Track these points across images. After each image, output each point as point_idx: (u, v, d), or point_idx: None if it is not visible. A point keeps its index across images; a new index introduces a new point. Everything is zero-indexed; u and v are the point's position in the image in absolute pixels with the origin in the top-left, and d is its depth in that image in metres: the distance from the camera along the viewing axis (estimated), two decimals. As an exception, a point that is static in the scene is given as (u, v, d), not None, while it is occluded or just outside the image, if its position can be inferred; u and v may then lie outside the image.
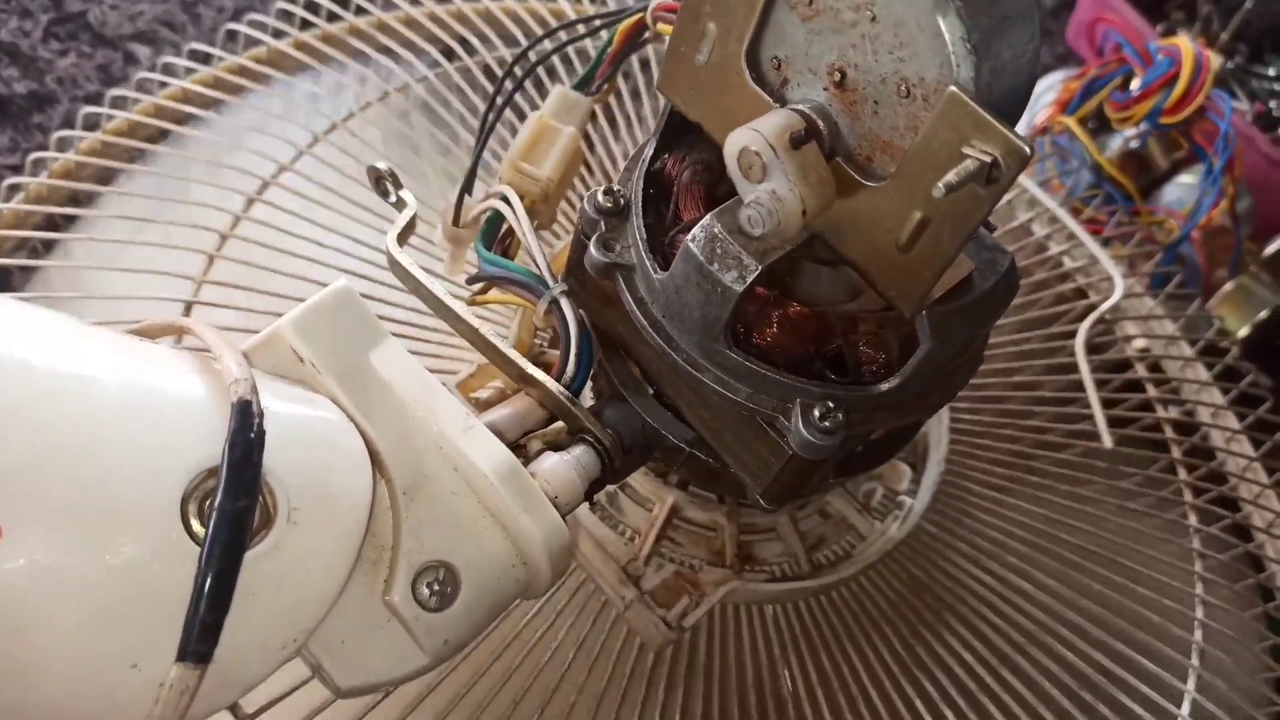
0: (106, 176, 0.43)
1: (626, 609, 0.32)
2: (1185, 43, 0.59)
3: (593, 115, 0.36)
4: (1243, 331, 0.61)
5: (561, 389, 0.28)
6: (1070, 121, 0.62)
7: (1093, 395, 0.40)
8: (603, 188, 0.28)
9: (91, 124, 0.44)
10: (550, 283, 0.30)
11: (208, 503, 0.21)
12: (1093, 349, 0.42)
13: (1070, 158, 0.65)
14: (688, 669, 0.32)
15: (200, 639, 0.20)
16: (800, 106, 0.23)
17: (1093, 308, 0.43)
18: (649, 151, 0.29)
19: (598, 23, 0.36)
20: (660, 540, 0.33)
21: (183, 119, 0.42)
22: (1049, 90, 0.69)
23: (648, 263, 0.27)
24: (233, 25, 0.45)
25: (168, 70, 0.45)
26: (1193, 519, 0.40)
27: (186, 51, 0.46)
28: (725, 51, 0.24)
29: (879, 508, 0.36)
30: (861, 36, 0.21)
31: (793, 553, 0.35)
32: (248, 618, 0.21)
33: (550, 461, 0.27)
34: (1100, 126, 0.65)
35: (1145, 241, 0.60)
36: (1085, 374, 0.40)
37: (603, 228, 0.28)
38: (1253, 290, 0.62)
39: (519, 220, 0.31)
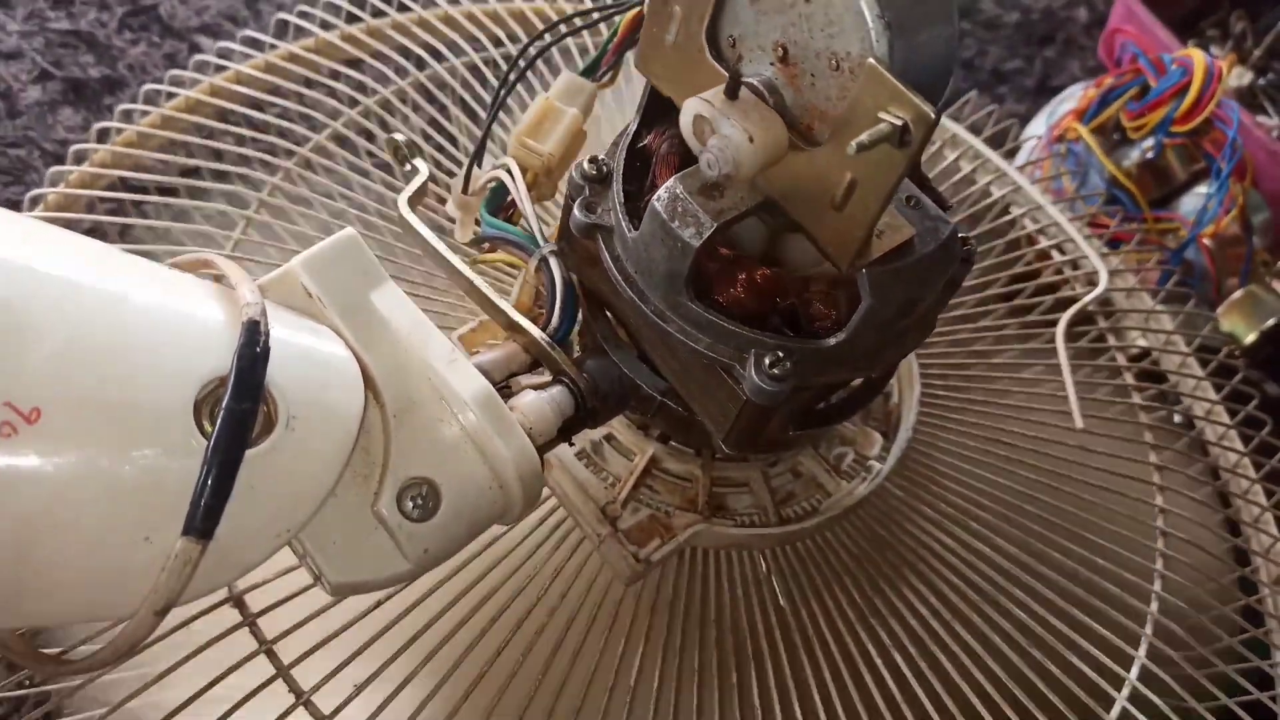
0: (166, 147, 0.47)
1: (601, 544, 0.35)
2: (1197, 53, 0.61)
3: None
4: (1250, 338, 0.62)
5: (544, 336, 0.31)
6: (1083, 129, 0.63)
7: (1068, 378, 0.42)
8: (589, 157, 0.32)
9: (152, 100, 0.49)
10: (541, 243, 0.34)
11: (217, 407, 0.25)
12: (1074, 338, 0.44)
13: (1086, 164, 0.66)
14: (655, 601, 0.35)
15: (203, 518, 0.24)
16: (750, 79, 0.26)
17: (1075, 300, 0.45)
18: (633, 126, 0.32)
19: (602, 14, 0.39)
20: (639, 487, 0.36)
21: (236, 99, 0.46)
22: (1069, 99, 0.71)
23: (623, 223, 0.30)
24: (284, 15, 0.49)
25: (224, 55, 0.49)
26: (1159, 499, 0.42)
27: (241, 37, 0.50)
28: (689, 31, 0.27)
29: (849, 470, 0.39)
30: (799, 16, 0.24)
31: (762, 505, 0.37)
32: (246, 507, 0.25)
33: (529, 398, 0.30)
34: (1124, 137, 0.67)
35: (1150, 244, 0.61)
36: (1063, 358, 0.42)
37: (587, 193, 0.31)
38: (1261, 298, 0.63)
39: (518, 188, 0.35)
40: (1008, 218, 0.49)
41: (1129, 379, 0.46)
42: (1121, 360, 0.46)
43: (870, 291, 0.28)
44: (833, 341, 0.29)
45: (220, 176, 0.43)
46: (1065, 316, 0.44)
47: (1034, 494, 0.40)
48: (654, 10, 0.28)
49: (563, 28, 0.38)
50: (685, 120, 0.26)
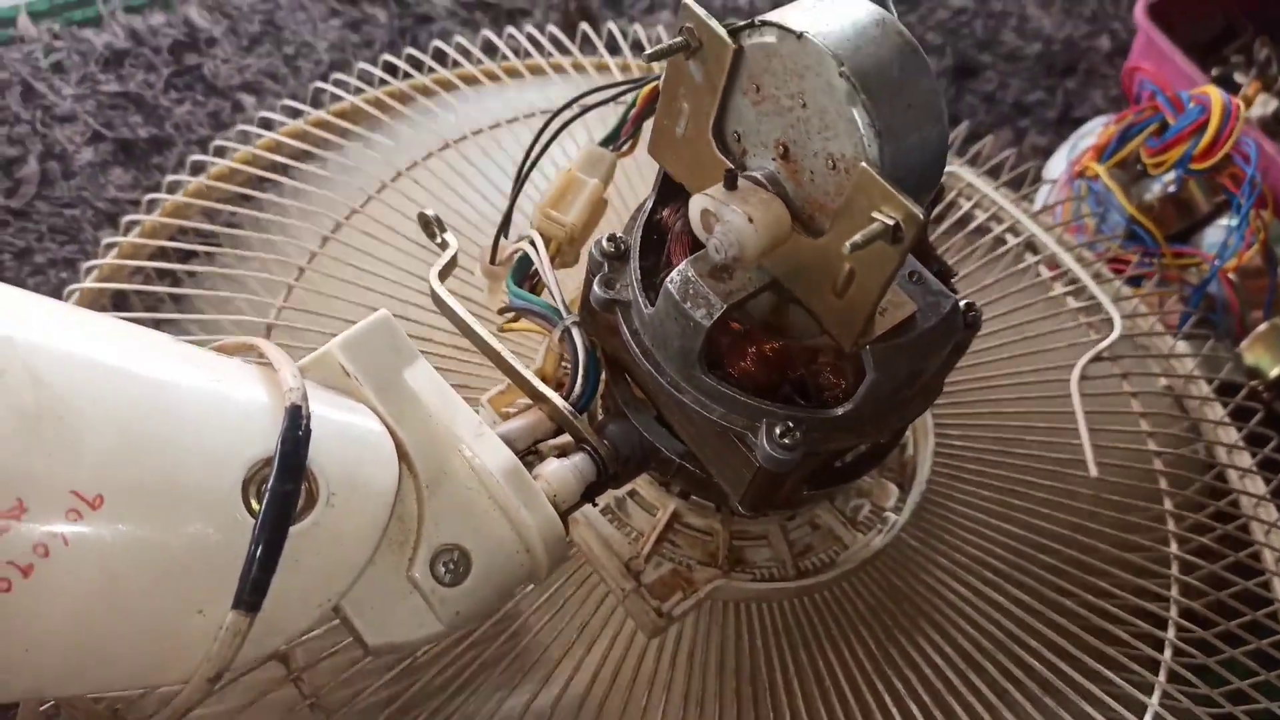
0: (210, 214, 0.50)
1: (625, 599, 0.36)
2: (1214, 91, 0.61)
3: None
4: (1276, 371, 0.62)
5: (566, 405, 0.33)
6: (1099, 168, 0.64)
7: (1083, 426, 0.43)
8: (607, 235, 0.33)
9: (198, 169, 0.51)
10: (564, 314, 0.35)
11: (263, 486, 0.27)
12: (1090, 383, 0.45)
13: (1105, 202, 0.67)
14: (676, 653, 0.36)
15: (252, 592, 0.26)
16: (754, 173, 0.28)
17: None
18: (649, 204, 0.34)
19: (624, 87, 0.41)
20: (661, 542, 0.38)
21: (273, 167, 0.48)
22: (1089, 135, 0.72)
23: (640, 300, 0.32)
24: (320, 84, 0.52)
25: (264, 124, 0.52)
26: (1174, 546, 0.42)
27: (280, 106, 0.53)
28: (697, 126, 0.29)
29: (865, 522, 0.40)
30: (797, 119, 0.26)
31: (781, 558, 0.39)
32: (291, 579, 0.27)
33: (552, 466, 0.32)
34: (1145, 171, 0.67)
35: (1170, 282, 0.62)
36: (1077, 406, 0.43)
37: (606, 269, 0.33)
38: (1287, 331, 0.63)
39: (541, 261, 0.36)
40: (1022, 266, 0.50)
41: (1144, 425, 0.47)
42: (1136, 406, 0.47)
43: (874, 367, 0.29)
44: (840, 411, 0.30)
45: (267, 245, 0.45)
46: (1080, 364, 0.45)
47: (1049, 543, 0.41)
48: (665, 105, 0.29)
49: (586, 101, 0.40)
50: (693, 215, 0.28)
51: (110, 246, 0.48)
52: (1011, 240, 0.50)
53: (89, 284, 0.46)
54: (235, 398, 0.28)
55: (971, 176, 0.52)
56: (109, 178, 0.65)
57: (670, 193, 0.33)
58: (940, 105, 0.25)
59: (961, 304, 0.33)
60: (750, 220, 0.27)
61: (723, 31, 0.26)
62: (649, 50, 0.27)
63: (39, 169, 0.64)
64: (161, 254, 0.49)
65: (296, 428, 0.27)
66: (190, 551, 0.26)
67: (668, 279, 0.30)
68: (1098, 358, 0.45)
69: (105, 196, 0.64)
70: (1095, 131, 0.72)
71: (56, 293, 0.54)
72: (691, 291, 0.29)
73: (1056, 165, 0.73)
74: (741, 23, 0.26)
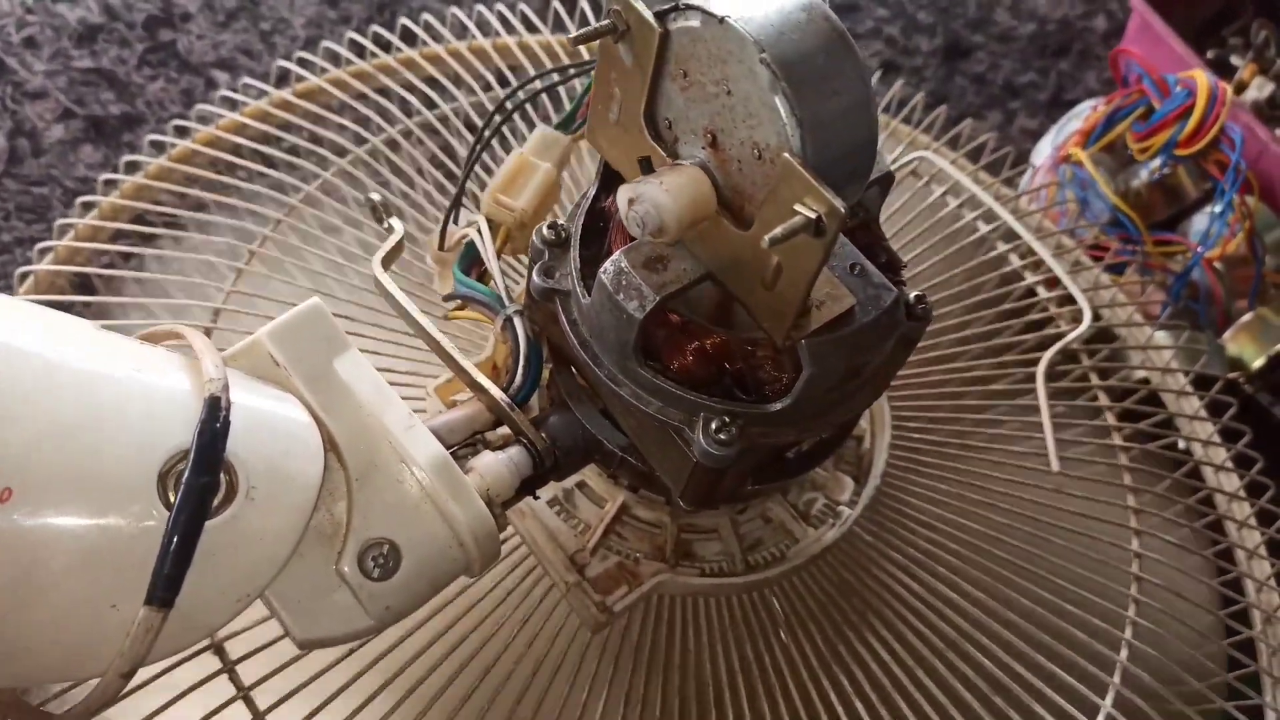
0: (166, 197, 0.49)
1: (568, 592, 0.36)
2: (1201, 75, 0.60)
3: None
4: (1259, 363, 0.61)
5: (503, 396, 0.33)
6: (1082, 154, 0.63)
7: (1046, 420, 0.42)
8: (548, 222, 0.33)
9: (159, 148, 0.51)
10: (507, 303, 0.35)
11: (181, 478, 0.26)
12: (1056, 378, 0.44)
13: (1090, 188, 0.66)
14: (620, 649, 0.36)
15: (165, 588, 0.25)
16: (685, 161, 0.27)
17: (1059, 337, 0.45)
18: (593, 190, 0.33)
19: (577, 70, 0.40)
20: (608, 534, 0.37)
21: (234, 149, 0.48)
22: (1075, 119, 0.70)
23: (579, 289, 0.31)
24: (283, 63, 0.51)
25: (229, 104, 0.51)
26: (1135, 544, 0.42)
27: (242, 86, 0.52)
28: (629, 112, 0.28)
29: (818, 515, 0.39)
30: (723, 106, 0.25)
31: (730, 553, 0.38)
32: (207, 574, 0.26)
33: (486, 460, 0.32)
34: (1133, 156, 0.66)
35: (1153, 270, 0.61)
36: (1042, 399, 0.43)
37: (546, 257, 0.33)
38: (1271, 321, 0.62)
39: (486, 248, 0.36)
40: (994, 253, 0.49)
41: (1110, 419, 0.46)
42: (1104, 399, 0.46)
43: (810, 361, 0.28)
44: (778, 406, 0.30)
45: (228, 212, 0.44)
46: (1045, 356, 0.44)
47: (1005, 538, 0.40)
48: (599, 90, 0.29)
49: (537, 84, 0.39)
50: (621, 205, 0.27)
51: (66, 228, 0.47)
52: (984, 228, 0.49)
53: (45, 266, 0.45)
54: (155, 387, 0.27)
55: (943, 162, 0.51)
56: (79, 156, 0.64)
57: (613, 179, 0.33)
58: (869, 95, 0.24)
59: (911, 296, 0.33)
60: (665, 188, 0.26)
61: (649, 14, 0.25)
62: (574, 33, 0.26)
63: (7, 146, 0.63)
64: (120, 236, 0.48)
65: (215, 419, 0.27)
66: (104, 545, 0.26)
67: (601, 269, 0.29)
68: (1066, 349, 0.44)
69: (75, 175, 0.63)
70: (1083, 114, 0.70)
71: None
72: (625, 283, 0.29)
73: (1043, 149, 0.72)
74: (668, 5, 0.25)
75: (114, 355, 0.28)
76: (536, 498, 0.35)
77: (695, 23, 0.25)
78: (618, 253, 0.29)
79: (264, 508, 0.27)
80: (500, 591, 0.36)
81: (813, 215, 0.23)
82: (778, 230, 0.23)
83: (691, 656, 0.36)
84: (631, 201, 0.27)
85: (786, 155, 0.23)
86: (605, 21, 0.27)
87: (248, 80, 0.57)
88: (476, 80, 0.51)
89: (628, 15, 0.26)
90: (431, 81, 0.51)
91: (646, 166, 0.27)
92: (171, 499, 0.26)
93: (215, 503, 0.27)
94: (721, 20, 0.24)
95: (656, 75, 0.26)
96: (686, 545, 0.38)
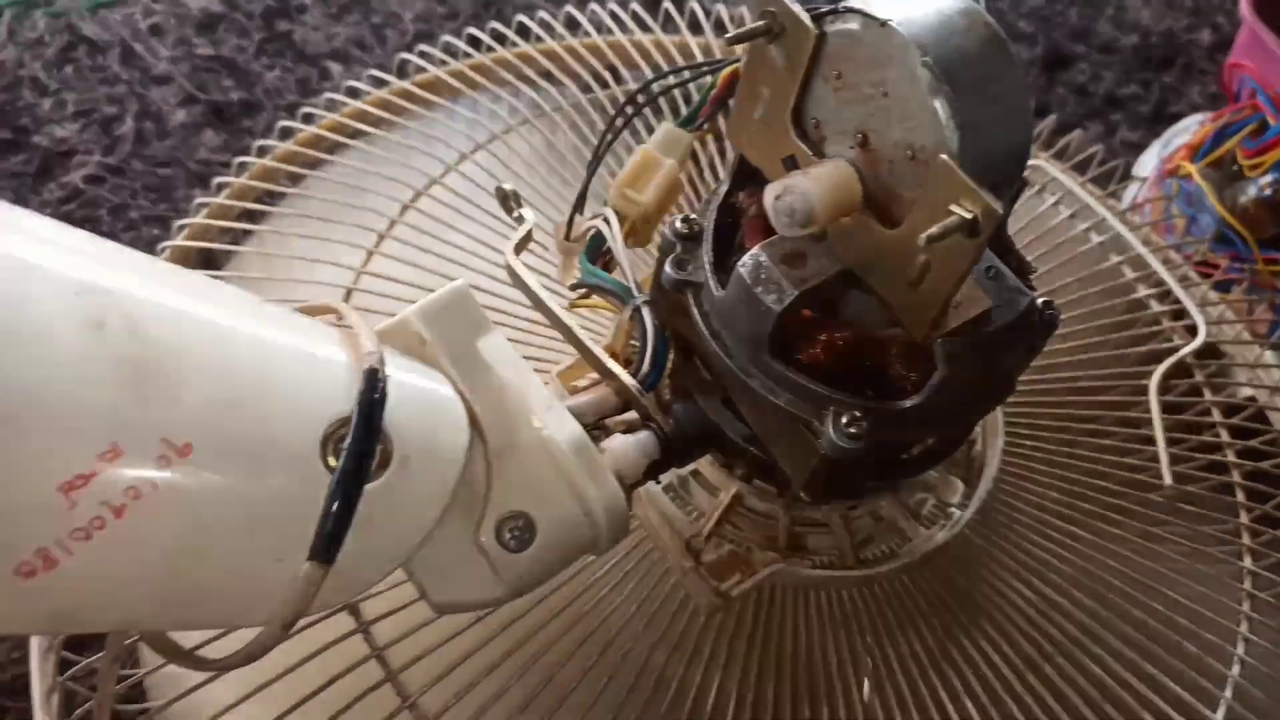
0: (295, 179, 0.51)
1: (684, 575, 0.37)
2: (1320, 91, 0.59)
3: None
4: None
5: (634, 383, 0.34)
6: (1194, 169, 0.62)
7: (1159, 433, 0.42)
8: (681, 216, 0.34)
9: (286, 134, 0.53)
10: (635, 293, 0.36)
11: (340, 444, 0.28)
12: (1167, 391, 0.44)
13: (1198, 203, 0.65)
14: (733, 635, 0.37)
15: (327, 545, 0.27)
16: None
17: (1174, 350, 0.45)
18: (724, 187, 0.34)
19: (704, 69, 0.41)
20: (722, 523, 0.38)
21: (357, 134, 0.50)
22: (1182, 133, 0.70)
23: (711, 282, 0.32)
24: (404, 55, 0.53)
25: (351, 92, 0.53)
26: (1248, 561, 0.41)
27: (366, 76, 0.54)
28: (775, 112, 0.29)
29: (929, 516, 0.40)
30: (878, 109, 0.26)
31: (841, 547, 0.39)
32: (364, 535, 0.28)
33: (618, 442, 0.33)
34: (1241, 172, 0.65)
35: (1262, 289, 0.60)
36: (1155, 413, 0.42)
37: (678, 249, 0.33)
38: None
39: (614, 239, 0.37)
40: (1105, 265, 0.49)
41: (1224, 435, 0.45)
42: (1217, 415, 0.46)
43: (945, 361, 0.29)
44: (909, 404, 0.30)
45: (348, 211, 0.46)
46: (1159, 369, 0.44)
47: (1117, 549, 0.40)
48: (745, 89, 0.29)
49: (664, 82, 0.40)
50: (768, 202, 0.28)
51: (201, 206, 0.50)
52: (1095, 239, 0.49)
53: (179, 241, 0.48)
54: (316, 357, 0.29)
55: (1057, 171, 0.51)
56: (201, 139, 0.67)
57: (746, 177, 0.33)
58: (1026, 100, 0.25)
59: (1039, 302, 0.33)
60: (813, 178, 0.27)
61: (806, 17, 0.26)
62: (730, 33, 0.27)
63: (135, 128, 0.66)
64: (248, 215, 0.51)
65: (373, 390, 0.28)
66: (271, 502, 0.27)
67: (739, 262, 0.30)
68: (1179, 364, 0.44)
69: (197, 158, 0.66)
70: (1190, 129, 0.70)
71: (149, 248, 0.56)
72: (764, 276, 0.29)
73: (1147, 162, 0.71)
74: (825, 8, 0.26)
75: (278, 326, 0.29)
76: (659, 483, 0.36)
77: (854, 25, 0.26)
78: (757, 246, 0.30)
79: (415, 475, 0.29)
80: (617, 572, 0.37)
81: (968, 216, 0.24)
82: (935, 229, 0.24)
83: (803, 645, 0.37)
84: (779, 196, 0.28)
85: (944, 157, 0.24)
86: (760, 23, 0.27)
87: (362, 71, 0.59)
88: (594, 77, 0.52)
89: (783, 17, 0.27)
90: (547, 76, 0.52)
91: (790, 165, 0.28)
92: (333, 464, 0.27)
93: (372, 469, 0.28)
94: (884, 24, 0.25)
95: (809, 76, 0.27)
96: (799, 538, 0.39)
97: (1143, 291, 0.49)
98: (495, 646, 0.35)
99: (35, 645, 0.43)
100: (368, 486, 0.28)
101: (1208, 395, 0.46)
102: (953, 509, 0.40)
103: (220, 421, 0.27)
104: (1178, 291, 0.46)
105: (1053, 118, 0.57)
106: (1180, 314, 0.46)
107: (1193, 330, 0.46)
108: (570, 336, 0.35)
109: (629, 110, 0.39)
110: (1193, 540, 0.41)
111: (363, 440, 0.27)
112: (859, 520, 0.40)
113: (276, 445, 0.27)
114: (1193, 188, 0.63)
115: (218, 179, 0.52)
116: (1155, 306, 0.48)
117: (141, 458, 0.25)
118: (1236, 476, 0.44)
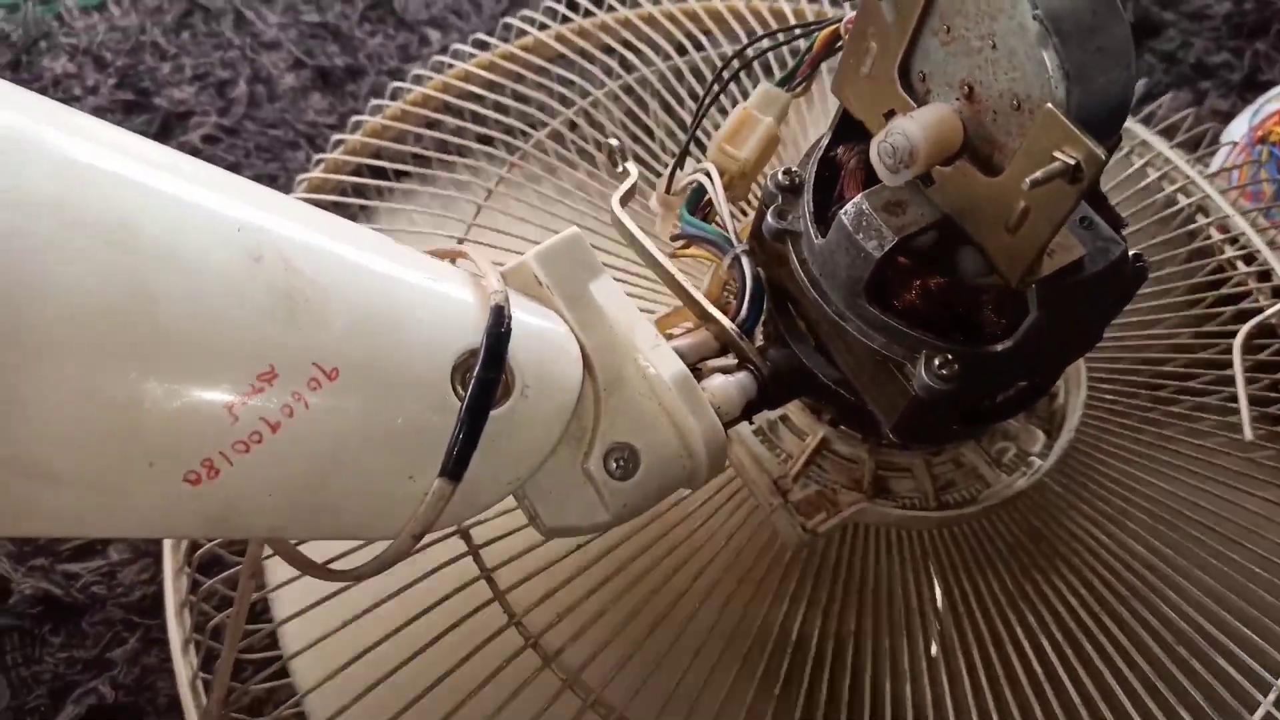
0: (403, 138, 0.54)
1: (772, 512, 0.39)
2: None
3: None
4: None
5: (733, 326, 0.36)
6: (1282, 132, 0.62)
7: (1241, 389, 0.42)
8: (783, 168, 0.35)
9: (395, 95, 0.56)
10: (735, 243, 0.38)
11: (468, 374, 0.30)
12: (1251, 351, 0.45)
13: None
14: (819, 570, 0.39)
15: (456, 464, 0.29)
16: (936, 111, 0.29)
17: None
18: (824, 141, 0.36)
19: (800, 31, 0.42)
20: (809, 465, 0.40)
21: (463, 95, 0.52)
22: (1275, 99, 0.69)
23: (812, 231, 0.34)
24: (507, 19, 0.55)
25: (455, 55, 0.56)
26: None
27: (471, 39, 0.57)
28: (883, 65, 0.30)
29: (1009, 464, 0.41)
30: (985, 60, 0.27)
31: (923, 490, 0.40)
32: (487, 457, 0.30)
33: (718, 380, 0.35)
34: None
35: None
36: (1238, 368, 0.43)
37: (779, 200, 0.35)
38: None
39: (716, 191, 0.39)
40: (1193, 225, 0.50)
41: (1308, 395, 0.46)
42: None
43: (1038, 306, 0.30)
44: (999, 348, 0.32)
45: (454, 166, 0.49)
46: (1244, 329, 0.44)
47: (1197, 501, 0.41)
48: (853, 43, 0.31)
49: (765, 43, 0.42)
50: (873, 153, 0.29)
51: (319, 161, 0.53)
52: (1183, 200, 0.50)
53: (300, 194, 0.51)
54: (447, 294, 0.32)
55: (1146, 133, 0.51)
56: (308, 102, 0.70)
57: (846, 131, 0.35)
58: (1130, 53, 0.26)
59: (1130, 254, 0.34)
60: (916, 120, 0.28)
61: (918, -27, 0.28)
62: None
63: (247, 91, 0.70)
64: (362, 171, 0.54)
65: (500, 324, 0.31)
66: (405, 424, 0.30)
67: (841, 210, 0.32)
68: (1264, 325, 0.45)
69: (305, 120, 0.69)
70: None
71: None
72: (865, 224, 0.31)
73: (1238, 129, 0.70)
74: (936, -36, 0.27)
75: (413, 265, 0.32)
76: (751, 423, 0.38)
77: (965, -20, 0.27)
78: (859, 195, 0.32)
79: (534, 405, 0.31)
80: (709, 507, 0.40)
81: (1071, 161, 0.25)
82: (1038, 173, 0.25)
83: (885, 582, 0.39)
84: (882, 139, 0.29)
85: (1049, 105, 0.25)
86: (871, -21, 0.29)
87: (459, 39, 0.61)
88: (689, 41, 0.54)
89: (894, -27, 0.28)
90: (645, 39, 0.54)
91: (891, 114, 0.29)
92: (461, 391, 0.30)
93: (496, 397, 0.31)
94: (994, -22, 0.26)
95: (918, 30, 0.29)
96: (883, 481, 0.40)
97: (1230, 253, 0.49)
98: (595, 572, 0.37)
99: (169, 566, 0.47)
100: (492, 413, 0.30)
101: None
102: (1033, 458, 0.41)
103: (364, 350, 0.30)
104: (1266, 253, 0.47)
105: (1143, 82, 0.57)
106: (1266, 274, 0.46)
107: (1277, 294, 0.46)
108: (671, 283, 0.37)
109: (730, 69, 0.41)
110: (1272, 495, 0.41)
111: (489, 370, 0.30)
112: (941, 465, 0.41)
113: (412, 373, 0.30)
114: (1282, 152, 0.62)
115: (335, 135, 0.55)
116: (1242, 267, 0.49)
117: (295, 379, 0.28)
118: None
